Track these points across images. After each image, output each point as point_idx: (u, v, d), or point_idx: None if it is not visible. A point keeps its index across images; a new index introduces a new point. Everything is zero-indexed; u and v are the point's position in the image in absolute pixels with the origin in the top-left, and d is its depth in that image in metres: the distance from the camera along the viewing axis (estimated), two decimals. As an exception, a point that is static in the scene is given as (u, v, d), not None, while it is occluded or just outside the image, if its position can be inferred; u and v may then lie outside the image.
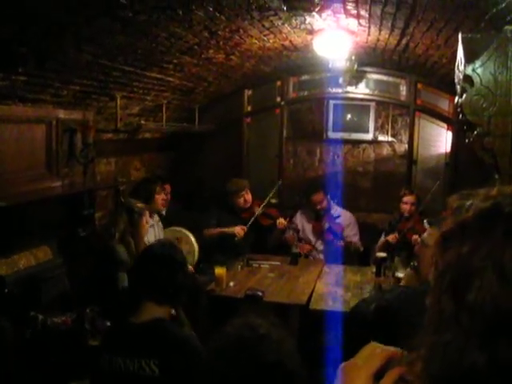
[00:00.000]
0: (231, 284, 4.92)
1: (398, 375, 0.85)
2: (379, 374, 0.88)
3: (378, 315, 2.74)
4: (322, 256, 6.17)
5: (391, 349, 0.92)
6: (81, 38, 3.45)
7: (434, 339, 0.74)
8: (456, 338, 0.70)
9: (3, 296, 3.60)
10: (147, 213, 4.72)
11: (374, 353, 0.92)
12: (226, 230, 5.90)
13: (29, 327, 3.48)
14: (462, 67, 3.21)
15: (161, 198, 5.55)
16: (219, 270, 4.84)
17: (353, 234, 6.22)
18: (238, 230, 5.81)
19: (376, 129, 6.99)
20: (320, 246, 6.21)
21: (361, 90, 6.96)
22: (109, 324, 3.49)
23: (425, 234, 3.00)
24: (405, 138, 6.98)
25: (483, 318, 0.68)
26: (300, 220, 6.40)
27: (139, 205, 4.67)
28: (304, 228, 6.33)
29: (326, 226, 6.14)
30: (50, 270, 4.36)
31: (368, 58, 6.16)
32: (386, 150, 7.11)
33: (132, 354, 2.45)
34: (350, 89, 6.97)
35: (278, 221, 6.05)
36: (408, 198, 5.96)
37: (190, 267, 4.91)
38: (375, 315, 2.74)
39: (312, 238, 6.26)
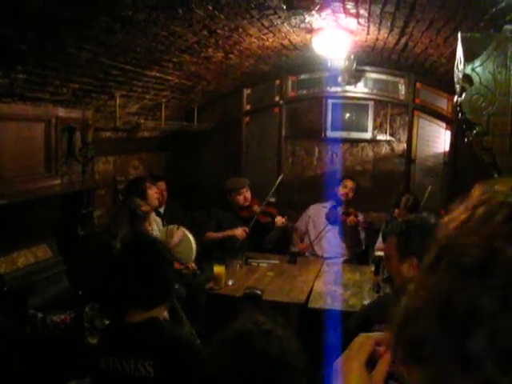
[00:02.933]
0: (230, 282, 4.92)
1: (388, 361, 0.87)
2: (371, 361, 0.90)
3: (359, 326, 2.77)
4: (325, 245, 6.19)
5: (376, 334, 0.94)
6: (81, 36, 3.46)
7: None
8: None
9: (2, 294, 3.61)
10: (152, 216, 4.69)
11: (363, 342, 0.94)
12: (227, 233, 5.88)
13: (28, 325, 3.48)
14: (461, 66, 3.22)
15: (153, 192, 5.51)
16: (218, 269, 4.84)
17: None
18: (240, 232, 5.80)
19: (375, 128, 7.00)
20: (329, 230, 6.21)
21: (359, 89, 6.96)
22: (107, 322, 3.49)
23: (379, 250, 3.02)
24: (403, 137, 6.99)
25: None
26: (313, 209, 6.42)
27: (144, 208, 4.64)
28: (317, 214, 6.34)
29: (341, 210, 6.21)
30: (49, 269, 4.36)
31: (367, 57, 6.17)
32: (384, 149, 7.12)
33: (128, 355, 2.42)
34: (348, 88, 6.97)
35: (276, 219, 6.05)
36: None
37: (193, 264, 4.91)
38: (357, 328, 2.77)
39: (324, 222, 6.26)
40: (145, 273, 2.53)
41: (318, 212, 6.37)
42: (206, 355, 1.85)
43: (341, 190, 6.25)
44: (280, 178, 6.49)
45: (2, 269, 3.93)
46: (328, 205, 6.35)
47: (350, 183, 6.33)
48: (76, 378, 3.15)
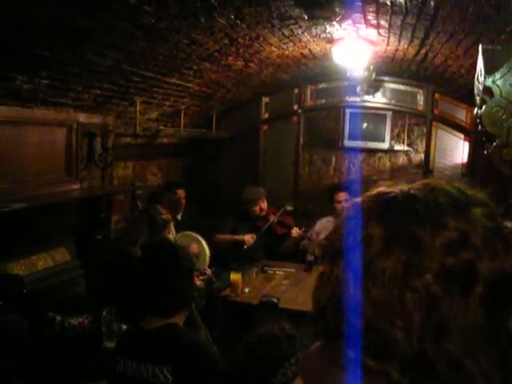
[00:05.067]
0: (246, 290, 4.93)
1: None
2: None
3: None
4: None
5: None
6: (103, 43, 3.50)
7: None
8: None
9: (22, 296, 3.64)
10: (171, 224, 4.70)
11: None
12: (236, 237, 5.91)
13: (46, 328, 3.51)
14: (481, 78, 3.22)
15: (183, 195, 5.55)
16: (235, 276, 4.85)
17: None
18: (248, 238, 5.82)
19: (392, 138, 6.98)
20: None
21: (378, 99, 6.96)
22: (125, 327, 3.51)
23: None
24: (421, 147, 6.96)
25: None
26: (319, 225, 6.38)
27: (164, 216, 4.64)
28: (324, 230, 6.31)
29: None
30: (66, 272, 4.41)
31: (386, 68, 6.17)
32: (401, 159, 7.10)
33: (146, 361, 2.43)
34: (367, 98, 6.96)
35: (292, 230, 6.04)
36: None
37: (209, 270, 4.92)
38: None
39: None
40: (165, 281, 2.54)
41: (324, 227, 6.33)
42: (231, 357, 1.88)
43: (337, 206, 6.22)
44: (288, 206, 6.48)
45: (22, 271, 3.98)
46: (331, 219, 6.31)
47: (344, 195, 6.22)
48: (92, 381, 3.17)
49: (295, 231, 6.03)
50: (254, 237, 5.84)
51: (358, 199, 0.88)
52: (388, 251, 0.76)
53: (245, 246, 5.80)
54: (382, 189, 0.87)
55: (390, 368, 0.75)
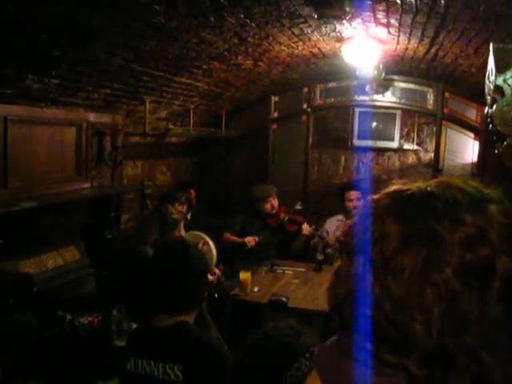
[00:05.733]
0: (255, 289, 4.92)
1: None
2: None
3: None
4: None
5: None
6: (114, 42, 3.51)
7: None
8: None
9: (32, 295, 3.65)
10: (182, 224, 4.71)
11: None
12: (237, 239, 5.93)
13: (56, 326, 3.52)
14: (492, 77, 3.21)
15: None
16: (244, 275, 4.85)
17: None
18: (249, 240, 5.83)
19: (401, 137, 6.96)
20: None
21: (387, 98, 6.94)
22: (135, 326, 3.52)
23: None
24: (430, 146, 6.94)
25: None
26: (329, 223, 6.36)
27: (175, 216, 4.65)
28: (333, 228, 6.28)
29: None
30: (76, 271, 4.42)
31: (395, 66, 6.15)
32: (411, 159, 7.08)
33: (156, 358, 2.44)
34: (376, 97, 6.95)
35: (303, 227, 6.03)
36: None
37: (217, 270, 4.92)
38: None
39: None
40: (175, 279, 2.54)
41: (333, 226, 6.31)
42: (240, 352, 1.90)
43: (348, 204, 6.21)
44: (299, 203, 6.48)
45: (32, 269, 3.99)
46: (341, 217, 6.30)
47: (356, 194, 6.20)
48: (103, 380, 3.18)
49: (306, 229, 6.01)
50: (257, 239, 5.84)
51: (375, 196, 0.89)
52: (407, 247, 0.78)
53: (246, 247, 5.81)
54: (398, 186, 0.89)
55: (409, 362, 0.76)
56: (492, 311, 0.74)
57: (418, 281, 0.76)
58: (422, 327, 0.75)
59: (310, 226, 6.08)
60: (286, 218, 6.11)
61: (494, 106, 3.18)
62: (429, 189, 0.84)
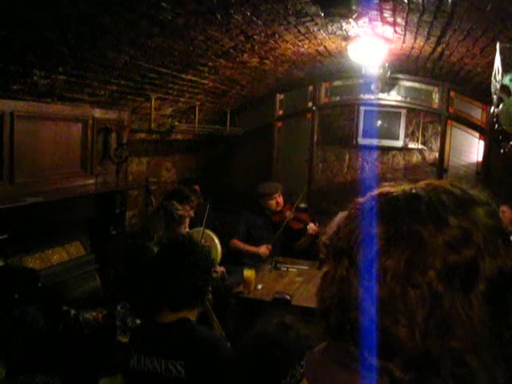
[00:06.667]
0: (259, 287, 4.92)
1: None
2: None
3: None
4: None
5: None
6: (121, 39, 3.52)
7: None
8: None
9: (37, 290, 3.67)
10: (187, 220, 4.70)
11: None
12: (251, 249, 5.90)
13: (61, 322, 3.54)
14: (499, 77, 3.21)
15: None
16: (248, 273, 4.85)
17: None
18: (263, 250, 5.80)
19: (406, 136, 6.97)
20: None
21: (393, 97, 6.93)
22: (139, 322, 3.53)
23: None
24: (435, 145, 6.94)
25: None
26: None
27: (180, 212, 4.66)
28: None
29: None
30: (81, 266, 4.44)
31: (401, 65, 6.15)
32: (415, 158, 7.08)
33: (159, 355, 2.46)
34: (381, 95, 6.94)
35: (308, 226, 6.01)
36: None
37: (222, 269, 4.92)
38: None
39: None
40: (182, 277, 2.57)
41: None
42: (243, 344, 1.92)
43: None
44: (302, 195, 6.48)
45: (37, 265, 4.01)
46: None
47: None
48: (107, 376, 3.20)
49: (311, 228, 6.00)
50: (270, 247, 5.83)
51: (360, 199, 0.90)
52: (390, 249, 0.77)
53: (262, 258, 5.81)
54: (384, 189, 0.89)
55: (393, 365, 0.75)
56: (477, 313, 0.74)
57: (401, 283, 0.75)
58: (406, 330, 0.75)
59: (315, 223, 6.07)
60: (291, 216, 6.10)
61: (500, 106, 3.18)
62: (413, 191, 0.84)
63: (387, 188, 0.89)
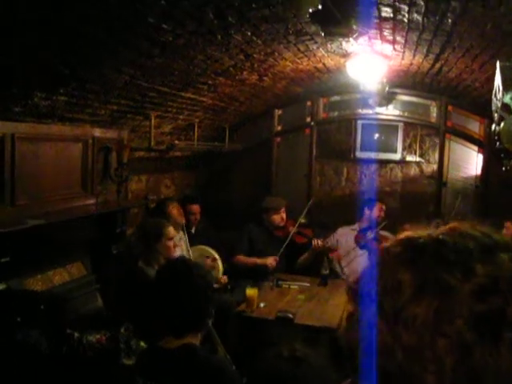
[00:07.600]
0: (262, 305, 4.89)
1: None
2: None
3: None
4: (358, 268, 6.07)
5: None
6: (122, 60, 3.52)
7: None
8: None
9: (39, 312, 3.65)
10: (169, 232, 4.50)
11: None
12: (258, 261, 5.88)
13: (64, 344, 3.51)
14: (499, 95, 3.22)
15: (175, 210, 5.46)
16: (251, 292, 4.82)
17: None
18: (270, 261, 5.79)
19: (404, 149, 6.99)
20: (361, 254, 6.08)
21: (390, 111, 6.96)
22: (142, 344, 3.51)
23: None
24: (432, 158, 6.96)
25: None
26: (341, 232, 6.33)
27: (157, 230, 4.48)
28: (346, 238, 6.23)
29: (372, 235, 6.08)
30: (83, 287, 4.41)
31: (399, 80, 6.17)
32: (413, 170, 7.10)
33: (165, 381, 2.44)
34: (379, 110, 6.96)
35: (313, 241, 5.97)
36: None
37: (225, 277, 4.88)
38: None
39: (353, 246, 6.16)
40: (180, 302, 2.55)
41: (346, 235, 6.28)
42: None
43: (376, 213, 6.20)
44: (310, 202, 6.51)
45: (39, 286, 3.99)
46: (356, 227, 6.30)
47: (382, 206, 6.31)
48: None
49: (316, 243, 5.95)
50: (277, 259, 5.82)
51: (386, 244, 0.89)
52: (419, 297, 0.77)
53: (269, 269, 5.79)
54: (409, 233, 0.88)
55: None
56: (505, 362, 0.73)
57: (430, 331, 0.75)
58: (434, 378, 0.74)
59: (319, 238, 6.04)
60: (295, 231, 6.09)
61: (502, 124, 3.18)
62: (440, 237, 0.84)
63: (412, 233, 0.88)
